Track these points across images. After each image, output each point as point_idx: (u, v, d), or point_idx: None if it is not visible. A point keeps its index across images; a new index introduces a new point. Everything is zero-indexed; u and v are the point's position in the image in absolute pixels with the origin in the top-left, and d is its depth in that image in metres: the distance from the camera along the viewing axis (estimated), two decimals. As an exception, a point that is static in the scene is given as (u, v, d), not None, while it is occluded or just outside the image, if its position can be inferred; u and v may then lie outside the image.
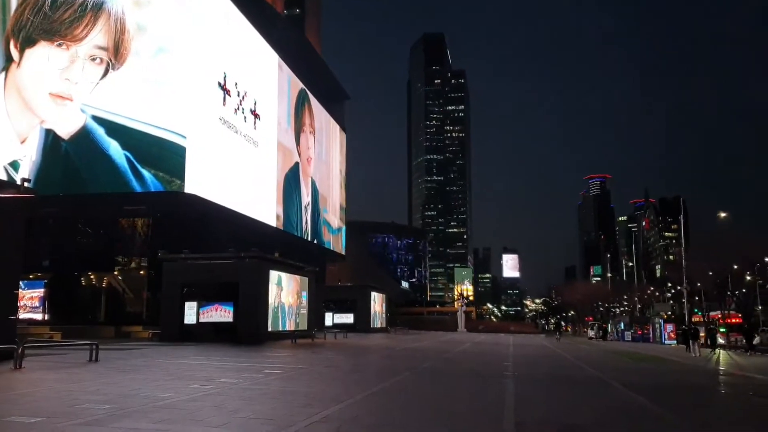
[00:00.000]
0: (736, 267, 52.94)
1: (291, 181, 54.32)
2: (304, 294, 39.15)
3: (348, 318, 55.38)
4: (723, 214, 56.81)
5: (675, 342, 57.08)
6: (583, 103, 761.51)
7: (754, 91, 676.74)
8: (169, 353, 22.72)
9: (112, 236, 42.40)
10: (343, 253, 73.19)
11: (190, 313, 32.00)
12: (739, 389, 16.27)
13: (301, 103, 58.83)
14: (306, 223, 58.48)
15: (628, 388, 15.76)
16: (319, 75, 65.94)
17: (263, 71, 49.29)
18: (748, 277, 57.69)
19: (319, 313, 49.05)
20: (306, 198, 58.50)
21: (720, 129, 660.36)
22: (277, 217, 50.56)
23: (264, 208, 48.09)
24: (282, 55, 52.90)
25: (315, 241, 61.68)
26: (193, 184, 37.48)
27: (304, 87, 59.05)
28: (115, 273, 41.78)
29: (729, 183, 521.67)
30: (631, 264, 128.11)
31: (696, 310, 68.48)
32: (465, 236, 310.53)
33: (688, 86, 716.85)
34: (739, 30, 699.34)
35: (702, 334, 41.79)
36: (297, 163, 55.87)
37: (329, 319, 54.46)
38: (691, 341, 35.64)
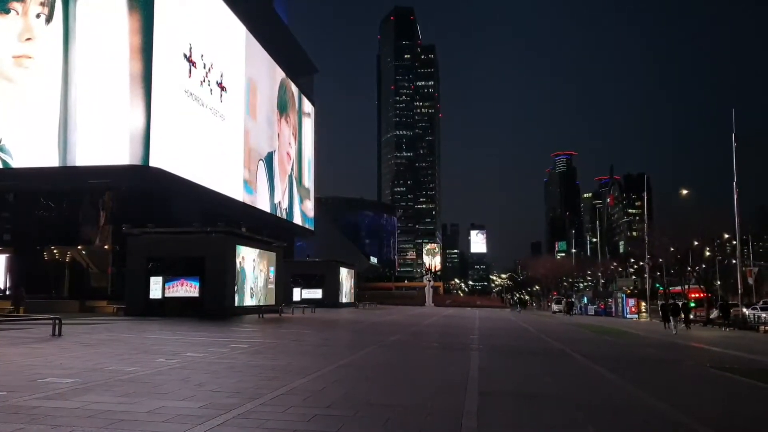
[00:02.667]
0: (696, 243, 54.19)
1: (264, 160, 53.89)
2: (272, 269, 39.07)
3: (316, 293, 55.42)
4: (685, 192, 57.96)
5: (636, 316, 58.45)
6: (552, 80, 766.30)
7: (721, 70, 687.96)
8: (135, 328, 22.58)
9: (75, 210, 41.70)
10: (312, 228, 73.07)
11: (156, 288, 31.74)
12: (697, 361, 16.80)
13: (282, 90, 58.32)
14: (275, 198, 58.15)
15: (589, 359, 16.17)
16: (287, 48, 65.15)
17: (230, 44, 48.52)
18: (708, 253, 59.13)
19: (287, 288, 49.03)
20: (276, 173, 58.10)
21: (687, 107, 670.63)
22: (245, 191, 50.18)
23: (232, 182, 47.66)
24: (250, 27, 52.09)
25: (284, 216, 61.44)
26: (159, 158, 36.98)
27: (274, 60, 58.31)
28: (79, 248, 41.16)
29: (693, 161, 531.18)
30: (595, 240, 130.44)
31: (657, 285, 70.04)
32: (434, 212, 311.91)
33: (655, 65, 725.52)
34: (710, 8, 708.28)
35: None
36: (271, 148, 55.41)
37: (297, 294, 54.45)
38: (671, 317, 32.66)
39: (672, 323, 32.29)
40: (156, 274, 32.11)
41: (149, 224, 33.68)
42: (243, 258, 34.38)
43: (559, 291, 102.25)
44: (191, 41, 41.28)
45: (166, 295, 31.87)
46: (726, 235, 54.93)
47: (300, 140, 68.31)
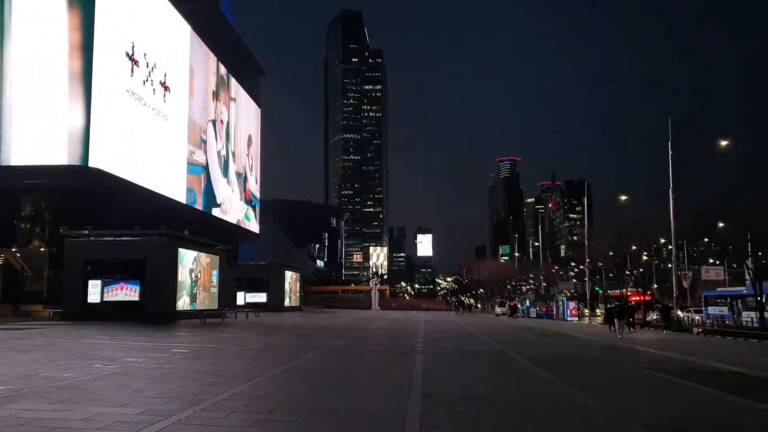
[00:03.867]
0: (634, 247, 55.86)
1: (204, 158, 52.99)
2: (215, 273, 38.49)
3: (260, 297, 54.84)
4: (624, 198, 59.81)
5: (577, 319, 59.87)
6: (497, 86, 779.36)
7: (658, 77, 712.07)
8: (72, 332, 21.91)
9: (10, 211, 40.18)
10: (257, 231, 72.26)
11: (94, 291, 30.91)
12: (634, 362, 17.29)
13: (219, 82, 57.33)
14: (219, 200, 57.27)
15: (530, 361, 16.47)
16: (233, 49, 64.35)
17: (175, 43, 47.62)
18: (645, 257, 61.05)
19: (230, 292, 48.37)
20: (219, 175, 57.23)
21: (627, 116, 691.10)
22: (187, 193, 49.26)
23: (174, 184, 46.74)
24: (195, 28, 51.25)
25: (228, 219, 60.56)
26: (99, 158, 36.00)
27: (219, 61, 57.48)
28: (14, 250, 39.66)
29: (632, 167, 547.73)
30: (537, 244, 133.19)
31: (597, 288, 71.89)
32: (381, 215, 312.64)
33: (598, 73, 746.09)
34: (649, 19, 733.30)
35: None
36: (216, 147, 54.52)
37: (241, 298, 53.76)
38: (616, 320, 32.08)
39: (617, 326, 31.72)
40: (94, 278, 31.28)
41: (88, 226, 32.79)
42: (185, 261, 33.77)
43: (503, 294, 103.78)
44: (134, 39, 40.36)
45: (104, 299, 31.07)
46: (662, 240, 56.85)
47: (247, 142, 67.50)
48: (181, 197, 48.00)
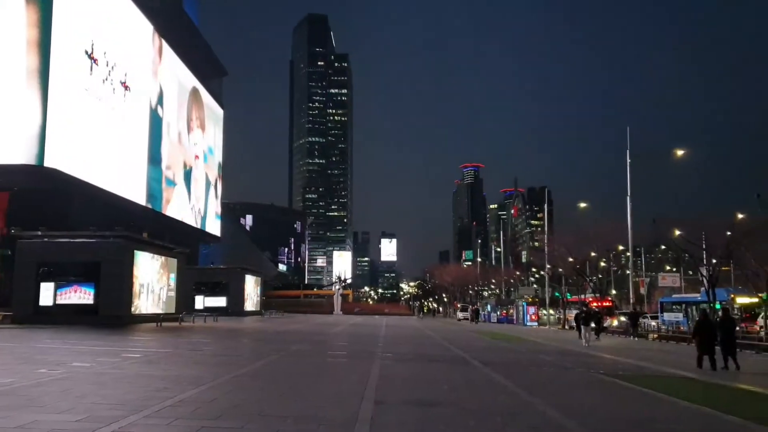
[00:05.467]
0: (593, 254, 56.70)
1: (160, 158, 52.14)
2: (173, 276, 37.86)
3: (220, 301, 54.14)
4: (583, 205, 60.77)
5: (536, 323, 60.47)
6: (461, 93, 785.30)
7: (622, 84, 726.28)
8: (21, 336, 21.32)
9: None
10: (217, 234, 71.37)
11: (47, 294, 30.18)
12: (590, 368, 17.46)
13: (181, 83, 56.54)
14: (180, 202, 56.41)
15: (487, 365, 16.52)
16: (197, 50, 63.59)
17: (136, 42, 46.79)
18: (604, 264, 62.00)
19: (189, 295, 47.64)
20: (180, 175, 56.38)
21: (588, 125, 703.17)
22: (147, 195, 48.39)
23: (134, 185, 45.86)
24: (157, 27, 50.47)
25: (188, 222, 59.68)
26: (55, 158, 35.09)
27: (182, 61, 56.70)
28: (-38, 251, 38.41)
29: (593, 175, 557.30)
30: (499, 249, 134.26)
31: (557, 294, 72.75)
32: (345, 220, 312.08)
33: (562, 81, 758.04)
34: (608, 27, 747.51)
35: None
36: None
37: (200, 302, 52.97)
38: (582, 327, 30.28)
39: (582, 333, 30.07)
40: (47, 280, 30.55)
41: (41, 227, 31.96)
42: (142, 264, 33.14)
43: (465, 299, 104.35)
44: (94, 38, 39.52)
45: (57, 302, 30.34)
46: (621, 247, 57.80)
47: (207, 144, 66.68)
48: (141, 199, 47.12)
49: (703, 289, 43.02)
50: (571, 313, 59.49)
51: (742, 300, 41.55)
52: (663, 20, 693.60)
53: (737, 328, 34.83)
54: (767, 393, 13.01)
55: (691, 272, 63.19)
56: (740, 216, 42.56)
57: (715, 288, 39.01)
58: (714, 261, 40.74)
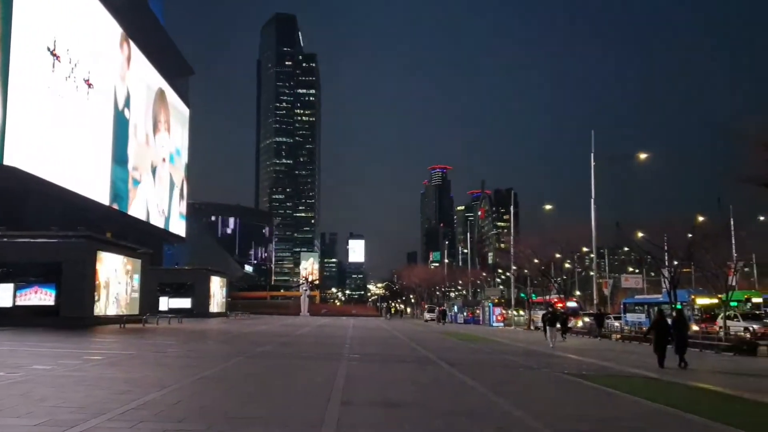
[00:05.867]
0: (558, 255, 57.40)
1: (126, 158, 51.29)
2: (137, 277, 37.28)
3: (185, 302, 53.41)
4: (548, 207, 61.57)
5: (502, 324, 60.99)
6: (429, 94, 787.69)
7: (587, 91, 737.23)
8: (-23, 339, 20.70)
9: None
10: (182, 234, 70.50)
11: (6, 295, 29.47)
12: (554, 368, 17.64)
13: (147, 81, 55.71)
14: (143, 202, 55.57)
15: (453, 366, 16.59)
16: (162, 48, 62.74)
17: (101, 40, 45.98)
18: (568, 265, 62.82)
19: (153, 296, 46.95)
20: (147, 176, 55.54)
21: (553, 127, 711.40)
22: (111, 195, 47.56)
23: (97, 184, 45.04)
24: (122, 24, 49.66)
25: (152, 222, 58.84)
26: (15, 156, 34.28)
27: (147, 59, 55.88)
28: None
29: (559, 177, 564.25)
30: (466, 251, 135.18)
31: (522, 295, 73.47)
32: (313, 221, 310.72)
33: (528, 84, 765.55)
34: (576, 32, 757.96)
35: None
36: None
37: (164, 303, 52.21)
38: (548, 328, 29.57)
39: (548, 334, 29.37)
40: (6, 281, 29.88)
41: (1, 227, 31.19)
42: (105, 264, 32.56)
43: (432, 300, 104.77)
44: (56, 34, 38.74)
45: (17, 303, 29.65)
46: (585, 249, 58.64)
47: (174, 144, 65.84)
48: (104, 199, 46.32)
49: (664, 290, 43.82)
50: (537, 314, 60.17)
51: (702, 301, 42.43)
52: (625, 22, 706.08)
53: (697, 329, 35.83)
54: (727, 392, 13.28)
55: (653, 274, 64.37)
56: (701, 219, 43.50)
57: (676, 289, 39.78)
58: (675, 263, 41.51)
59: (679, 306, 40.32)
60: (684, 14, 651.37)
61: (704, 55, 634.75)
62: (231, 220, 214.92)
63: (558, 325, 30.86)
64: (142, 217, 55.73)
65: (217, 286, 60.95)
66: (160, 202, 61.29)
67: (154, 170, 58.75)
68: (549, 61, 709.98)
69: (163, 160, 61.79)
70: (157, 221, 60.56)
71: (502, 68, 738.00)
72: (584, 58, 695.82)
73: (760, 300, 45.12)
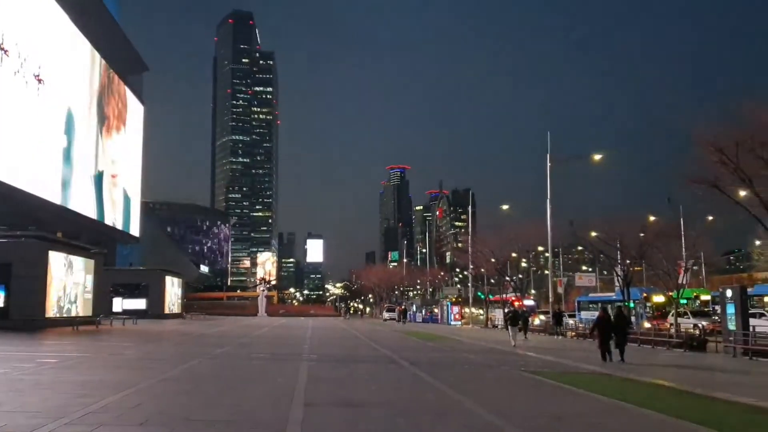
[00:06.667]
0: (514, 254, 58.25)
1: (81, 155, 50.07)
2: (90, 277, 36.47)
3: (139, 303, 52.52)
4: (505, 207, 62.50)
5: (460, 323, 61.61)
6: (388, 94, 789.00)
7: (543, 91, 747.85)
8: None
9: None
10: (137, 234, 69.15)
11: (-48, 298, 28.43)
12: (513, 365, 17.93)
13: (100, 77, 54.38)
14: (96, 200, 54.33)
15: (414, 365, 16.72)
16: (116, 44, 61.39)
17: (52, 34, 44.73)
18: (524, 264, 63.77)
19: (106, 298, 46.00)
20: (100, 174, 54.31)
21: (507, 129, 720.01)
22: (63, 193, 46.36)
23: (48, 183, 43.83)
24: (75, 19, 48.41)
25: (106, 221, 57.57)
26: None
27: (101, 56, 54.62)
28: None
29: (514, 178, 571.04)
30: (424, 250, 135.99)
31: (480, 294, 74.34)
32: (270, 220, 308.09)
33: (485, 84, 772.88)
34: (530, 36, 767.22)
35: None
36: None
37: (118, 304, 51.24)
38: (510, 327, 28.91)
39: (510, 332, 28.75)
40: (-49, 283, 28.78)
41: (-55, 227, 30.19)
42: (56, 265, 31.76)
43: (391, 299, 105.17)
44: (4, 28, 37.54)
45: (-37, 306, 28.66)
46: (540, 248, 59.61)
47: (127, 140, 64.53)
48: (56, 197, 45.11)
49: (617, 288, 44.87)
50: (494, 313, 60.97)
51: (655, 298, 43.61)
52: (584, 24, 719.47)
53: (649, 326, 36.80)
54: (679, 387, 13.70)
55: (606, 272, 65.85)
56: (652, 218, 44.67)
57: (629, 287, 40.79)
58: (628, 261, 42.54)
59: (632, 304, 41.46)
60: (640, 15, 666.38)
61: (661, 58, 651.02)
62: (186, 220, 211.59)
63: (520, 324, 30.91)
64: (95, 216, 54.48)
65: (172, 287, 60.07)
66: (113, 201, 60.00)
67: (106, 168, 57.48)
68: (507, 61, 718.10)
69: (116, 158, 60.49)
70: (111, 220, 59.28)
71: (460, 68, 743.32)
72: (542, 58, 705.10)
73: (708, 297, 46.54)
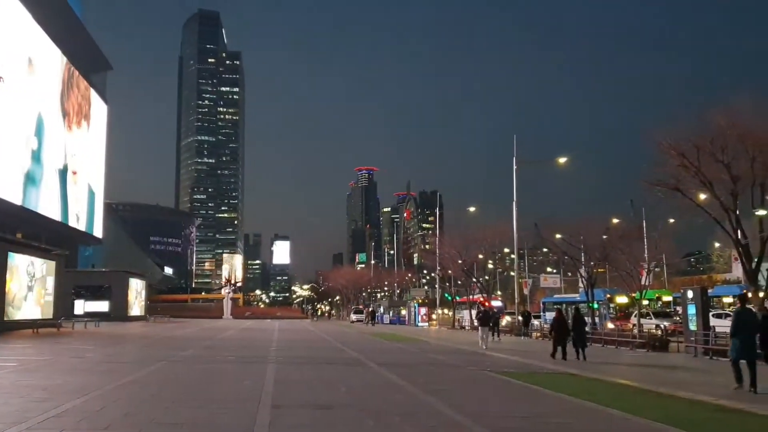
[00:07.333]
0: (481, 256, 58.68)
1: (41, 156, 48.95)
2: (51, 279, 35.69)
3: (102, 306, 51.64)
4: (472, 209, 62.99)
5: (427, 324, 61.80)
6: (356, 96, 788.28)
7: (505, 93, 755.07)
8: None
9: None
10: (99, 235, 67.88)
11: None
12: (479, 366, 18.02)
13: (70, 88, 53.36)
14: (60, 196, 53.16)
15: (382, 366, 16.70)
16: (79, 42, 60.20)
17: (11, 31, 43.65)
18: (490, 265, 64.29)
19: (68, 300, 45.08)
20: (62, 174, 53.15)
21: (476, 132, 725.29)
22: (23, 194, 45.26)
23: (7, 183, 42.74)
24: (36, 16, 47.33)
25: (68, 222, 56.37)
26: None
27: (63, 53, 53.49)
28: None
29: (480, 180, 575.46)
30: (392, 252, 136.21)
31: (447, 295, 74.66)
32: (236, 221, 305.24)
33: (452, 88, 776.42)
34: (494, 38, 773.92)
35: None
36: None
37: (80, 306, 50.27)
38: (480, 328, 28.07)
39: (480, 334, 27.86)
40: None
41: None
42: (16, 267, 31.00)
43: (359, 301, 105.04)
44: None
45: None
46: (506, 250, 60.17)
47: (90, 140, 63.32)
48: (15, 197, 44.00)
49: (581, 289, 45.47)
50: (461, 314, 61.29)
51: (619, 300, 44.28)
52: (552, 26, 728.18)
53: (613, 326, 37.34)
54: (643, 387, 13.90)
55: (570, 274, 66.64)
56: (615, 220, 45.40)
57: (593, 288, 41.37)
58: (592, 263, 43.14)
59: (596, 305, 42.06)
60: (606, 18, 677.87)
61: (627, 64, 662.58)
62: (150, 221, 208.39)
63: (491, 325, 30.55)
64: (57, 217, 53.32)
65: (136, 289, 59.16)
66: (76, 201, 58.81)
67: (69, 168, 56.32)
68: (475, 63, 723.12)
69: (79, 157, 59.30)
70: (73, 222, 58.07)
71: (427, 69, 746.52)
72: (510, 60, 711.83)
73: (670, 298, 47.46)
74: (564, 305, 51.08)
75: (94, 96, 64.85)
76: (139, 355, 19.78)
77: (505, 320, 50.12)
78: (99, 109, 66.93)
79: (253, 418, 8.30)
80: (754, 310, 16.83)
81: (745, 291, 23.34)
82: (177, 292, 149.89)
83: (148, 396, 10.61)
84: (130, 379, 12.60)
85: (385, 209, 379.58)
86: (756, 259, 25.08)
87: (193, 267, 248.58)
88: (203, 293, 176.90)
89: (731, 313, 23.51)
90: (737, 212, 25.15)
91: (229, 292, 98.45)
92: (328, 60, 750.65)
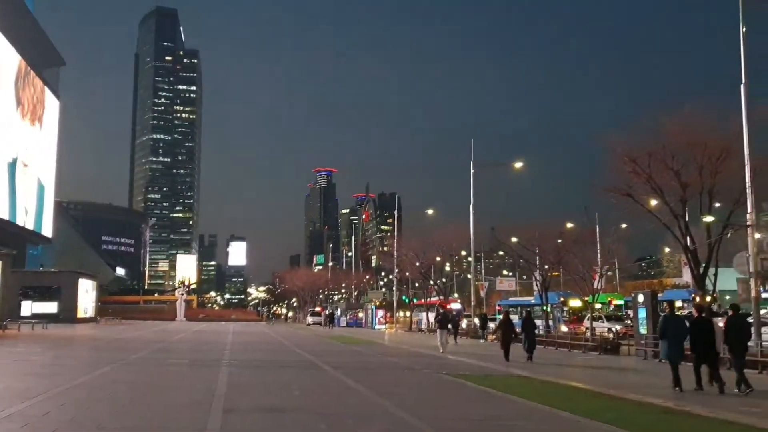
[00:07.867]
0: (438, 258, 59.02)
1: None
2: (-4, 279, 34.58)
3: (50, 307, 50.32)
4: (430, 212, 63.38)
5: (384, 327, 61.81)
6: (318, 96, 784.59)
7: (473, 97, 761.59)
8: None
9: None
10: (49, 235, 66.06)
11: None
12: (434, 368, 18.07)
13: (19, 83, 51.70)
14: (9, 190, 51.53)
15: (337, 369, 16.61)
16: (31, 37, 58.54)
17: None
18: (448, 268, 64.66)
19: (14, 301, 43.73)
20: (9, 171, 51.53)
21: (436, 135, 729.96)
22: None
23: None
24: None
25: (17, 213, 54.70)
26: None
27: (14, 47, 51.94)
28: None
29: (439, 183, 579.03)
30: (350, 254, 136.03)
31: (404, 297, 74.83)
32: (191, 222, 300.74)
33: (413, 90, 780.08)
34: (456, 45, 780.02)
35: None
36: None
37: (27, 308, 48.87)
38: (438, 330, 27.28)
39: (438, 336, 26.99)
40: None
41: None
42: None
43: (316, 303, 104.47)
44: None
45: None
46: (463, 252, 60.62)
47: (41, 136, 61.59)
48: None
49: (536, 292, 46.11)
50: (417, 316, 61.51)
51: (572, 303, 44.99)
52: (517, 29, 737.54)
53: (566, 330, 37.95)
54: (594, 389, 14.14)
55: (525, 277, 67.53)
56: (570, 225, 46.16)
57: (547, 291, 41.98)
58: (546, 266, 43.76)
59: (547, 308, 42.69)
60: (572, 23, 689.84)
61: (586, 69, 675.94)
62: (103, 220, 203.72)
63: (450, 327, 29.90)
64: (5, 215, 51.69)
65: (86, 290, 57.77)
66: (24, 199, 57.09)
67: (17, 165, 54.64)
68: (433, 66, 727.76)
69: (29, 154, 57.62)
70: (21, 220, 56.36)
71: (386, 71, 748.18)
72: (470, 63, 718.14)
73: (621, 302, 48.44)
74: (519, 308, 51.80)
75: (47, 91, 63.20)
76: (88, 358, 19.30)
77: (464, 323, 50.48)
78: (51, 104, 65.19)
79: (203, 423, 8.14)
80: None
81: (693, 295, 23.99)
82: (129, 294, 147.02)
83: (95, 400, 10.35)
84: (78, 383, 12.26)
85: (344, 211, 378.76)
86: (704, 264, 25.74)
87: (147, 268, 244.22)
88: (156, 295, 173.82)
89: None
90: (686, 218, 25.80)
91: (182, 294, 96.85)
92: (287, 59, 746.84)
